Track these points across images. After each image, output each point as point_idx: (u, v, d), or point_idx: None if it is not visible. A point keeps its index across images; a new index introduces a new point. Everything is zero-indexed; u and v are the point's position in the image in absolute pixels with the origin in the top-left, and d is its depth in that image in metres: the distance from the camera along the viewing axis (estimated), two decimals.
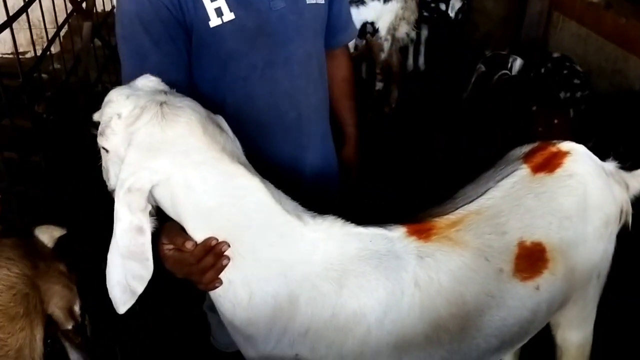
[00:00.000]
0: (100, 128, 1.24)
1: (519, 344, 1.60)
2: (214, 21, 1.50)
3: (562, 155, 1.59)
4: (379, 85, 4.56)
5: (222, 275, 1.26)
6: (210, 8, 1.49)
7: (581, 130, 2.98)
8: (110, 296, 1.24)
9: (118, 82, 1.66)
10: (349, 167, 1.97)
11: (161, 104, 1.18)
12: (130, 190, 1.15)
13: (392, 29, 4.27)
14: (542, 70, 3.41)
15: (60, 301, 1.33)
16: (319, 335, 1.30)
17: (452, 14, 4.86)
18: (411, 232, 1.37)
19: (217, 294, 1.30)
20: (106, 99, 1.24)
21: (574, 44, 3.97)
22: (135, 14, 1.47)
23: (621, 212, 1.70)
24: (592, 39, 3.77)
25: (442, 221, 1.43)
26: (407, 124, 4.34)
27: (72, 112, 3.23)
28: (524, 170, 1.55)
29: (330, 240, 1.29)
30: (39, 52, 2.61)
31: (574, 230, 1.53)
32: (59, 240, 1.46)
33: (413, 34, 5.02)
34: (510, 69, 3.33)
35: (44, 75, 3.50)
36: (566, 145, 1.63)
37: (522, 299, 1.44)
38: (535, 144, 1.66)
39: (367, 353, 1.33)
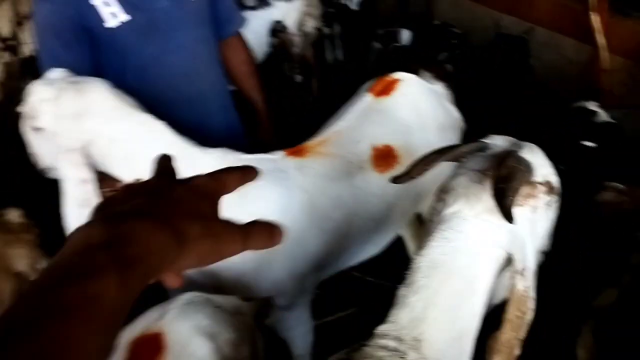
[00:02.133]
0: (29, 114, 1.54)
1: (393, 224, 1.99)
2: (110, 22, 1.76)
3: (395, 82, 2.05)
4: (299, 78, 4.92)
5: None
6: (105, 12, 1.75)
7: (458, 77, 3.51)
8: None
9: None
10: (266, 142, 2.24)
11: (74, 82, 1.53)
12: (69, 151, 1.48)
13: (300, 25, 4.66)
14: (427, 37, 3.94)
15: (25, 261, 1.77)
16: None
17: (354, 6, 5.29)
18: (289, 153, 1.78)
19: None
20: (28, 91, 1.53)
21: (452, 11, 4.70)
22: (46, 25, 1.76)
23: (456, 122, 2.17)
24: (464, 3, 4.52)
25: (312, 143, 1.86)
26: (330, 110, 4.69)
27: None
28: (369, 97, 2.01)
29: (225, 165, 1.65)
30: None
31: (414, 134, 1.96)
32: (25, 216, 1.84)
33: (326, 30, 5.43)
34: (400, 41, 3.84)
35: None
36: (398, 75, 2.09)
37: (383, 187, 1.85)
38: (377, 78, 2.11)
39: (274, 249, 1.65)
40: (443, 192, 1.13)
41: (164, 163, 0.71)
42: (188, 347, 1.18)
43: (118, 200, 0.61)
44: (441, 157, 1.15)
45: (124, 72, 1.83)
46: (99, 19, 1.75)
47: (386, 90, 2.03)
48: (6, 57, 3.81)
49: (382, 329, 1.05)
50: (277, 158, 1.75)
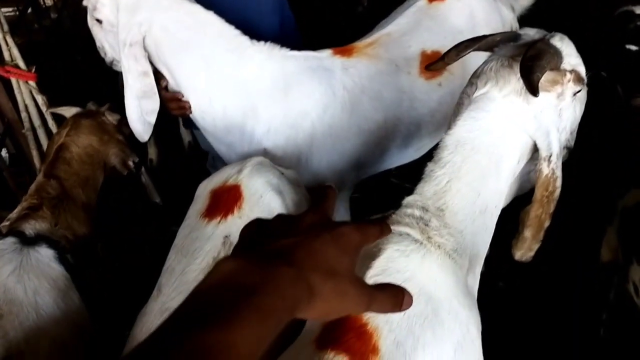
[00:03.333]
0: (90, 6, 1.63)
1: (435, 130, 1.99)
2: None
3: None
4: None
5: (200, 97, 1.69)
6: None
7: None
8: (134, 130, 1.70)
9: None
10: None
11: None
12: (131, 45, 1.57)
13: None
14: None
15: (117, 157, 2.07)
16: (278, 132, 1.72)
17: None
18: (336, 52, 1.80)
19: (200, 115, 1.74)
20: None
21: None
22: None
23: (511, 28, 2.11)
24: None
25: (360, 43, 1.87)
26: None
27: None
28: (422, 1, 1.98)
29: (272, 60, 1.70)
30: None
31: (450, 33, 1.92)
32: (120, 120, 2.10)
33: None
34: None
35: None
36: None
37: (428, 92, 1.88)
38: None
39: (315, 144, 1.74)
40: (474, 77, 1.16)
41: (324, 196, 0.74)
42: (263, 199, 1.32)
43: (269, 231, 0.64)
44: (475, 44, 1.18)
45: None
46: None
47: None
48: None
49: (408, 199, 1.13)
50: (323, 56, 1.77)
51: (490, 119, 1.12)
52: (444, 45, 1.85)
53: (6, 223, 1.67)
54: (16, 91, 2.31)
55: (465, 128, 1.13)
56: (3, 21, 2.22)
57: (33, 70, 2.28)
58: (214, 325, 0.49)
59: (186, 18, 1.63)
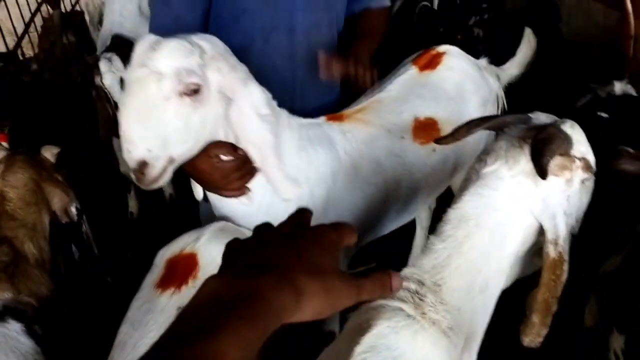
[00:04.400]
0: (174, 78, 1.23)
1: (428, 195, 2.03)
2: None
3: (440, 55, 2.06)
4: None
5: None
6: None
7: (486, 42, 3.59)
8: (287, 193, 1.46)
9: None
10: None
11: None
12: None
13: None
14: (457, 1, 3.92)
15: (58, 201, 1.86)
16: (300, 202, 1.58)
17: None
18: (329, 119, 1.78)
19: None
20: (167, 51, 1.24)
21: None
22: None
23: (497, 97, 2.20)
24: None
25: (350, 110, 1.87)
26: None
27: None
28: (413, 70, 2.02)
29: (291, 128, 1.60)
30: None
31: (457, 108, 1.98)
32: (59, 156, 1.93)
33: None
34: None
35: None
36: (443, 47, 2.09)
37: (422, 157, 1.88)
38: (421, 51, 2.10)
39: (329, 210, 1.67)
40: (484, 154, 1.17)
41: (301, 217, 0.75)
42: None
43: (249, 247, 0.67)
44: (485, 123, 1.20)
45: (229, 36, 1.58)
46: None
47: (431, 64, 2.03)
48: (45, 10, 3.78)
49: (405, 271, 1.11)
50: (321, 122, 1.75)
51: (497, 197, 1.12)
52: (437, 111, 1.93)
53: None
54: None
55: (471, 204, 1.13)
56: None
57: (6, 130, 2.20)
58: (202, 337, 0.51)
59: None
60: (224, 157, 1.37)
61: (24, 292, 1.61)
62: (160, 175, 1.25)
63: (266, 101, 1.38)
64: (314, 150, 1.62)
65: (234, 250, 0.68)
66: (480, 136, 2.04)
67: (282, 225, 0.72)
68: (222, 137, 1.38)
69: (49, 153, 1.92)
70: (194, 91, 1.23)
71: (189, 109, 1.24)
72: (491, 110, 2.13)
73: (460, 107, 1.99)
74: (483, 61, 2.20)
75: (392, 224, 1.96)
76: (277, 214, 1.48)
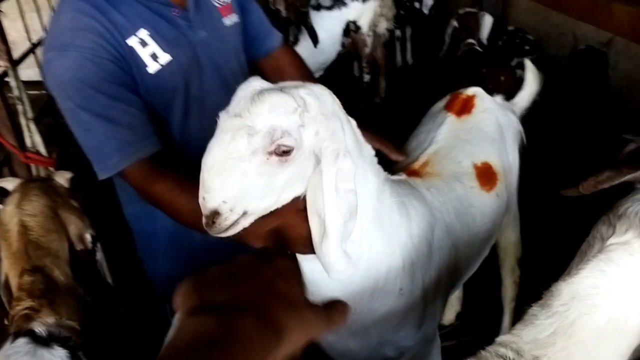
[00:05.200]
0: (278, 134, 1.10)
1: (491, 239, 1.98)
2: (152, 67, 1.51)
3: (471, 98, 2.04)
4: (367, 78, 4.99)
5: None
6: (144, 55, 1.50)
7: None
8: (336, 271, 1.20)
9: None
10: None
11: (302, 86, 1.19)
12: (344, 155, 1.18)
13: (373, 26, 4.70)
14: (500, 42, 3.92)
15: (74, 228, 1.82)
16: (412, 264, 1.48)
17: (425, 10, 5.34)
18: (409, 174, 1.71)
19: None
20: (268, 106, 1.11)
21: (528, 18, 4.68)
22: (81, 80, 1.41)
23: (520, 132, 2.19)
24: (539, 9, 4.47)
25: (418, 164, 1.78)
26: (397, 112, 4.68)
27: None
28: (451, 117, 1.97)
29: (391, 187, 1.46)
30: None
31: (500, 148, 1.96)
32: (73, 181, 1.89)
33: (398, 32, 5.50)
34: (479, 27, 3.90)
35: None
36: (471, 90, 2.07)
37: (490, 205, 1.83)
38: (448, 96, 2.09)
39: (432, 266, 1.56)
40: (614, 216, 1.00)
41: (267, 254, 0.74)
42: None
43: (214, 282, 0.63)
44: (618, 178, 1.07)
45: (168, 114, 1.62)
46: (141, 64, 1.51)
47: (466, 108, 2.02)
48: None
49: (503, 338, 0.97)
50: (406, 179, 1.66)
51: (622, 276, 0.94)
52: (487, 155, 1.90)
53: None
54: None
55: (590, 282, 0.95)
56: (28, 108, 2.24)
57: (54, 156, 2.28)
58: None
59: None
60: None
61: (64, 317, 1.61)
62: (231, 226, 1.16)
63: (354, 175, 1.22)
64: (412, 206, 1.52)
65: (202, 287, 0.63)
66: (513, 162, 2.06)
67: (237, 259, 0.69)
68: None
69: (63, 179, 1.88)
70: (285, 152, 1.12)
71: (275, 168, 1.13)
72: (517, 147, 2.13)
73: (502, 147, 1.99)
74: (498, 98, 2.19)
75: (469, 273, 1.93)
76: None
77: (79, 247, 1.85)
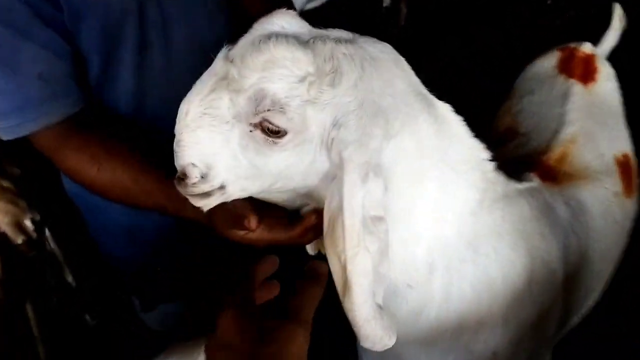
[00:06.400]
0: (267, 103, 0.79)
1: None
2: None
3: (592, 58, 1.56)
4: (387, 2, 4.36)
5: None
6: None
7: None
8: (372, 342, 0.84)
9: None
10: None
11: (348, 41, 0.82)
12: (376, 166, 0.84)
13: None
14: None
15: (5, 217, 1.37)
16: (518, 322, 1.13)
17: None
18: (543, 179, 1.24)
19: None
20: (265, 59, 0.78)
21: None
22: None
23: None
24: None
25: (551, 157, 1.33)
26: (417, 39, 4.10)
27: None
28: (577, 87, 1.49)
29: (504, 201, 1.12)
30: None
31: (624, 127, 1.54)
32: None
33: None
34: None
35: None
36: (588, 48, 1.59)
37: (630, 215, 1.41)
38: (557, 53, 1.61)
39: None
40: None
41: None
42: None
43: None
44: None
45: (111, 54, 1.22)
46: None
47: (589, 73, 1.54)
48: None
49: None
50: (537, 187, 1.21)
51: None
52: (624, 143, 1.48)
53: None
54: None
55: None
56: None
57: None
58: None
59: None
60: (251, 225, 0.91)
61: None
62: (201, 195, 0.90)
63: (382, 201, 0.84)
64: (545, 224, 1.14)
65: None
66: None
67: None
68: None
69: None
70: (274, 132, 0.80)
71: (262, 147, 0.82)
72: None
73: (626, 131, 1.54)
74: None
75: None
76: None
77: (18, 239, 1.37)
